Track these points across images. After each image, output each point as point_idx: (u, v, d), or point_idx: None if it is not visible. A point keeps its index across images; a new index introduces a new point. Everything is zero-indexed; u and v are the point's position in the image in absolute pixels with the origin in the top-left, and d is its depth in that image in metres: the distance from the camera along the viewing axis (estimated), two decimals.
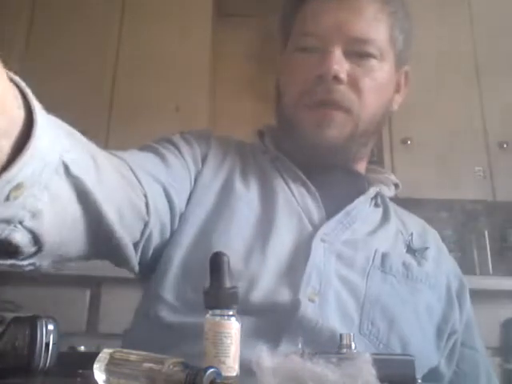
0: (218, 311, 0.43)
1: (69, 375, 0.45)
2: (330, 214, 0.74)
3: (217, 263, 0.45)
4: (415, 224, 0.84)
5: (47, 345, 0.43)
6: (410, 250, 0.77)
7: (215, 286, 0.44)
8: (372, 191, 0.79)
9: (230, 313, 0.43)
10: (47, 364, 0.43)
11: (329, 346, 0.54)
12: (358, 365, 0.38)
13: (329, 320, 0.63)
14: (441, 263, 0.78)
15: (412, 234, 0.79)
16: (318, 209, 0.74)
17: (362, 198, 0.77)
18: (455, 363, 0.74)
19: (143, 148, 0.71)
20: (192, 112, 2.23)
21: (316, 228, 0.71)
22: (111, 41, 2.32)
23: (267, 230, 0.69)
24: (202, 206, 0.71)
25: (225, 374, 0.40)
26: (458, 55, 2.23)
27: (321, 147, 0.74)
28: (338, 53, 0.72)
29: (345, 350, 0.49)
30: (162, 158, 0.70)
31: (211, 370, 0.36)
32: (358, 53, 0.74)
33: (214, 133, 0.84)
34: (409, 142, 2.16)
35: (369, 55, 0.74)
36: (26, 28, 2.30)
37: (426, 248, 0.78)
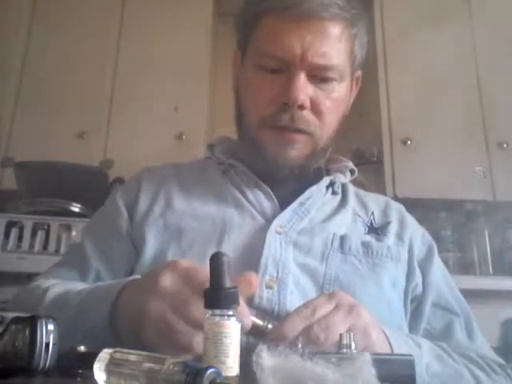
0: (217, 311, 0.43)
1: (69, 375, 0.45)
2: (285, 207, 0.77)
3: (216, 263, 0.45)
4: (377, 202, 0.87)
5: (47, 345, 0.43)
6: (372, 229, 0.80)
7: (215, 286, 0.44)
8: (325, 180, 0.83)
9: (230, 313, 0.43)
10: (47, 364, 0.43)
11: None
12: (357, 365, 0.38)
13: (289, 304, 0.66)
14: (403, 235, 0.81)
15: (373, 213, 0.83)
16: (272, 204, 0.78)
17: (314, 188, 0.80)
18: (423, 325, 0.76)
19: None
20: (191, 112, 2.23)
21: (270, 222, 0.75)
22: (111, 41, 2.31)
23: (219, 236, 0.73)
24: (150, 234, 0.75)
25: (225, 373, 0.40)
26: (458, 55, 2.23)
27: (282, 166, 0.78)
28: (302, 79, 0.73)
29: (345, 350, 0.49)
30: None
31: (211, 369, 0.36)
32: (320, 77, 0.75)
33: (201, 136, 0.86)
34: (409, 142, 2.15)
35: (331, 79, 0.76)
36: (26, 27, 2.30)
37: (389, 223, 0.82)
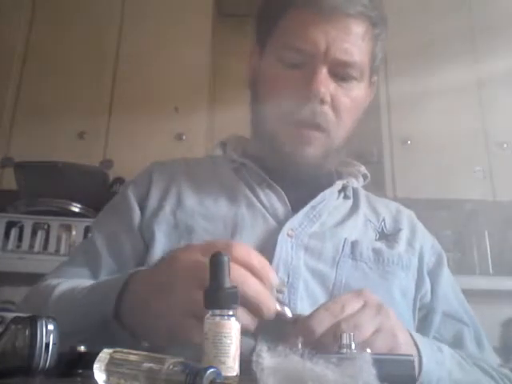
0: (217, 311, 0.43)
1: (69, 375, 0.45)
2: (297, 210, 0.76)
3: (217, 263, 0.45)
4: (388, 208, 0.86)
5: (47, 345, 0.43)
6: (383, 235, 0.79)
7: (215, 286, 0.44)
8: (338, 184, 0.82)
9: (230, 313, 0.43)
10: (47, 364, 0.43)
11: None
12: (357, 365, 0.38)
13: (299, 310, 0.65)
14: (414, 242, 0.80)
15: (384, 219, 0.82)
16: (284, 206, 0.77)
17: (327, 192, 0.80)
18: (431, 333, 0.75)
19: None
20: (191, 112, 2.23)
21: (281, 224, 0.74)
22: (111, 41, 2.31)
23: (230, 237, 0.73)
24: (160, 231, 0.74)
25: (225, 374, 0.40)
26: (458, 55, 2.23)
27: (299, 164, 0.77)
28: (324, 73, 0.73)
29: (345, 350, 0.49)
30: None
31: (211, 369, 0.36)
32: (341, 74, 0.75)
33: (204, 136, 0.86)
34: (409, 142, 2.15)
35: (351, 77, 0.76)
36: (26, 28, 2.30)
37: (400, 230, 0.81)
